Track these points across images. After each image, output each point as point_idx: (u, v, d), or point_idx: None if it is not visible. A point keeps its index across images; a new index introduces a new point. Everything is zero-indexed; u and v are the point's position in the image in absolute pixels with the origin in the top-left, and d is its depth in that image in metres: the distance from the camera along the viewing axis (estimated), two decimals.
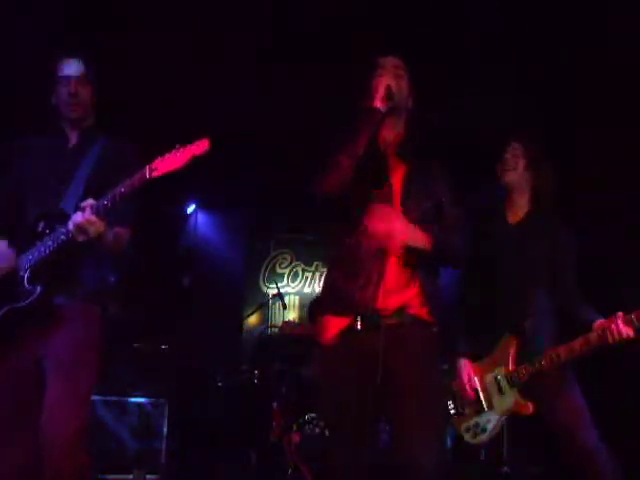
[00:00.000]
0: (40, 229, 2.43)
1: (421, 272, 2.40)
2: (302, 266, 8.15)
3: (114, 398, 4.47)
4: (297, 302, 8.08)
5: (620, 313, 2.75)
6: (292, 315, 7.88)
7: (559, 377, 2.98)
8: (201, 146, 2.27)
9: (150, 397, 4.62)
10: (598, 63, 4.40)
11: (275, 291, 6.16)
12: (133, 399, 4.58)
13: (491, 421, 3.04)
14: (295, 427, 4.57)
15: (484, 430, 3.06)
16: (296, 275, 8.13)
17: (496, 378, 3.07)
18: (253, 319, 7.32)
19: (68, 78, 2.60)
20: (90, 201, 2.31)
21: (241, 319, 7.26)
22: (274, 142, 5.90)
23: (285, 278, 8.08)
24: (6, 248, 2.46)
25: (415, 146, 2.52)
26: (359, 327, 2.33)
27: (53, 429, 2.30)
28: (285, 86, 5.19)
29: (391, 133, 2.50)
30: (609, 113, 4.64)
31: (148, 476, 4.23)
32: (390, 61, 2.46)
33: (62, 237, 2.34)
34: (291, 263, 8.13)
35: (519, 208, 3.22)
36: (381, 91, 2.33)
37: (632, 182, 4.54)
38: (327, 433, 2.85)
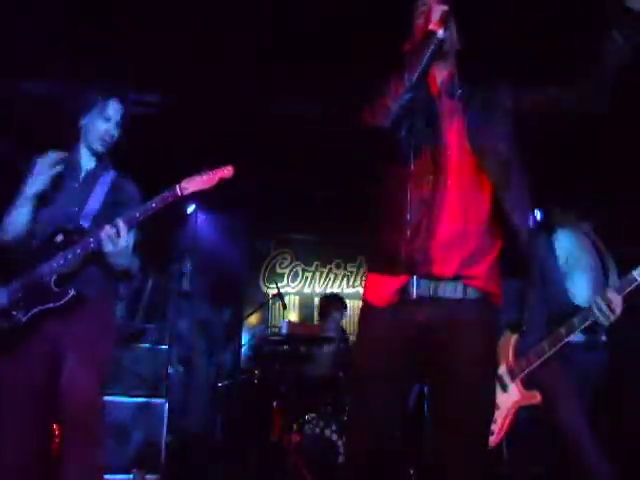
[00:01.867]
0: (59, 241, 2.67)
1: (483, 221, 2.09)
2: (302, 266, 8.15)
3: (114, 398, 4.46)
4: (297, 302, 8.07)
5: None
6: (292, 315, 7.88)
7: (550, 373, 3.03)
8: (228, 171, 2.73)
9: (150, 397, 4.62)
10: None
11: (275, 291, 6.15)
12: (132, 399, 4.58)
13: (497, 421, 3.06)
14: (295, 427, 4.56)
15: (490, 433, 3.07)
16: (296, 275, 8.12)
17: (499, 376, 3.10)
18: (253, 319, 7.32)
19: (109, 119, 2.83)
20: (120, 219, 2.60)
21: (241, 319, 7.26)
22: (274, 142, 5.91)
23: (285, 278, 8.07)
24: None
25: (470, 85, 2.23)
26: (414, 295, 2.03)
27: (73, 390, 2.48)
28: (285, 86, 5.20)
29: (441, 74, 2.25)
30: None
31: (148, 476, 4.22)
32: None
33: (91, 245, 2.61)
34: (291, 263, 8.12)
35: None
36: (437, 14, 2.06)
37: None
38: (350, 409, 2.45)
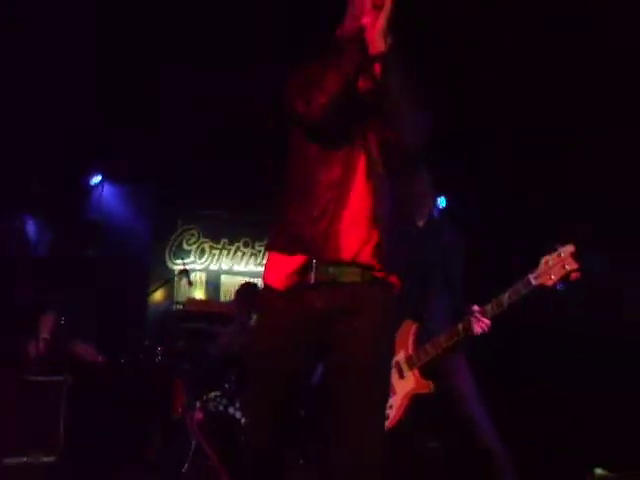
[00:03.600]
0: None
1: (384, 218, 2.10)
2: (209, 243, 8.09)
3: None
4: (203, 279, 8.04)
5: (475, 307, 2.98)
6: (198, 292, 7.83)
7: (450, 363, 3.16)
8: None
9: (48, 375, 4.46)
10: None
11: (181, 267, 6.09)
12: (30, 377, 4.41)
13: (393, 406, 3.15)
14: (198, 405, 4.55)
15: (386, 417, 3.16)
16: (203, 252, 8.06)
17: (397, 363, 3.19)
18: (158, 295, 7.23)
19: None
20: None
21: (146, 295, 7.15)
22: (179, 117, 5.85)
23: (192, 255, 8.00)
24: None
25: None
26: (312, 280, 2.03)
27: None
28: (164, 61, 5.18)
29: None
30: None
31: (45, 458, 4.08)
32: None
33: None
34: (198, 239, 8.05)
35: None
36: (368, 4, 1.99)
37: None
38: (249, 397, 2.40)
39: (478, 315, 3.01)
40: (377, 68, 2.06)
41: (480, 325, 3.01)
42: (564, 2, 4.08)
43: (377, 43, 1.99)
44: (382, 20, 1.98)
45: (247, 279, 7.70)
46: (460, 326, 3.08)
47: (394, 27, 2.02)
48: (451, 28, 4.46)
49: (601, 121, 4.68)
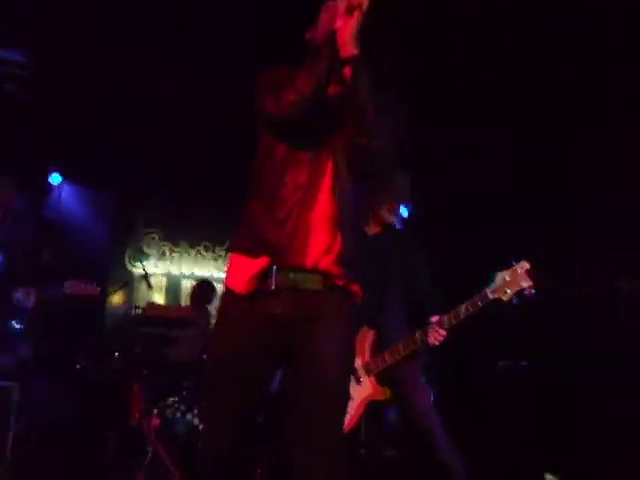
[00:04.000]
0: None
1: (346, 224, 2.09)
2: (170, 247, 8.01)
3: None
4: (164, 283, 7.96)
5: (434, 317, 2.99)
6: (158, 296, 7.74)
7: (407, 372, 3.17)
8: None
9: None
10: None
11: (141, 271, 6.01)
12: None
13: (349, 411, 3.14)
14: (156, 411, 4.48)
15: None
16: (163, 255, 7.98)
17: (354, 369, 3.19)
18: (117, 299, 7.12)
19: None
20: None
21: (104, 298, 7.03)
22: (143, 119, 5.80)
23: (152, 258, 7.91)
24: None
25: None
26: (272, 286, 2.02)
27: None
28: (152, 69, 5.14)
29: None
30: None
31: None
32: None
33: None
34: (159, 243, 7.96)
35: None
36: (342, 9, 2.02)
37: None
38: (205, 405, 2.53)
39: (435, 326, 3.03)
40: (347, 72, 2.07)
41: (435, 336, 3.03)
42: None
43: (349, 46, 2.03)
44: (354, 24, 2.01)
45: None
46: (417, 335, 3.10)
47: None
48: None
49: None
